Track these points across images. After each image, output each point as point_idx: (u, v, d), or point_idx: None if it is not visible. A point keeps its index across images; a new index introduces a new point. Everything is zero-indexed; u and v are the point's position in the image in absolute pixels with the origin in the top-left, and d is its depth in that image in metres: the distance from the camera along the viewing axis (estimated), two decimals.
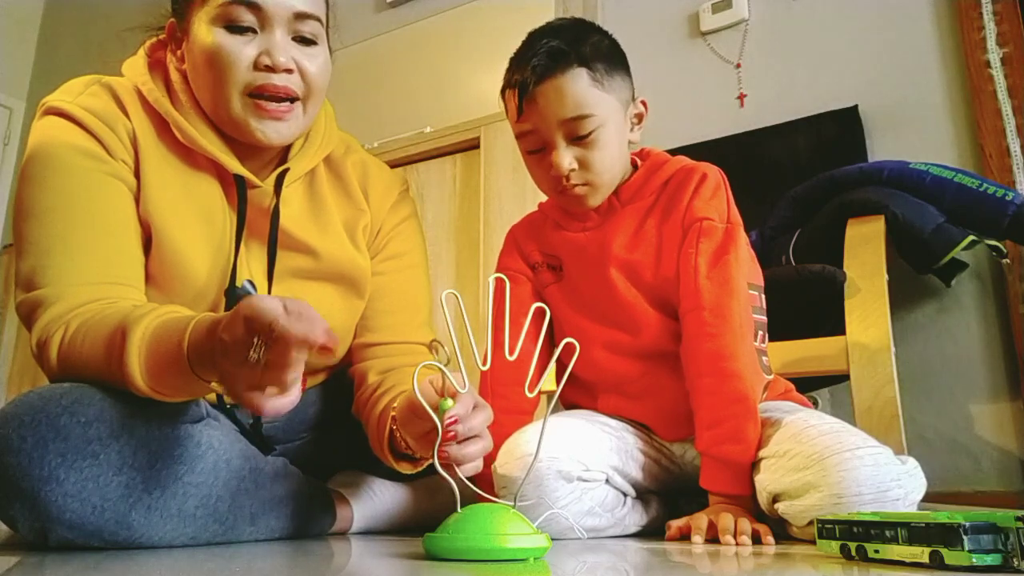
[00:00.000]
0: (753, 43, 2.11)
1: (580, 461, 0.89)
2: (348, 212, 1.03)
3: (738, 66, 2.11)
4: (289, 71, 0.87)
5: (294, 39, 0.89)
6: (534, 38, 1.00)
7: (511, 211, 2.04)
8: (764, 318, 1.00)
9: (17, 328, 3.20)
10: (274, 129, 0.89)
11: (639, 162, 1.07)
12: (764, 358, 0.97)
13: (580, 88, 0.95)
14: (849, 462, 0.78)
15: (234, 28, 0.86)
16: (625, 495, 0.97)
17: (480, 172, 2.14)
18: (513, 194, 2.06)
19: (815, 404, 1.78)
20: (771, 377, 0.98)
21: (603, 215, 1.03)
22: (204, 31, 0.86)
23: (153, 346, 0.70)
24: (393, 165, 2.24)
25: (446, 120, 2.39)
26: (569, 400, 1.11)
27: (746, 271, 0.99)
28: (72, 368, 0.76)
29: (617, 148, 1.00)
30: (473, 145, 2.20)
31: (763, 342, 0.98)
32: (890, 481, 0.78)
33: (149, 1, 0.97)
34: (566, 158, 0.96)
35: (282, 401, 0.63)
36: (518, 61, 0.99)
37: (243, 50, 0.86)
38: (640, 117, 1.04)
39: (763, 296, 1.02)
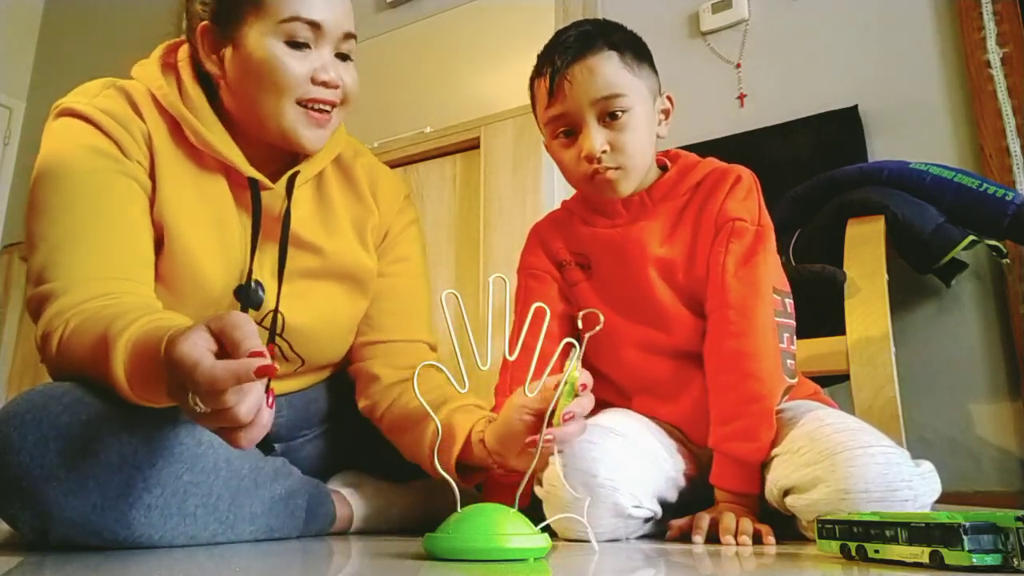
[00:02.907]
0: (753, 43, 2.11)
1: (635, 495, 0.86)
2: (357, 212, 1.04)
3: (738, 66, 2.11)
4: (337, 86, 0.92)
5: (336, 55, 0.93)
6: (561, 31, 1.01)
7: (511, 211, 2.04)
8: (791, 322, 0.99)
9: (17, 328, 3.20)
10: (317, 136, 0.93)
11: (668, 164, 1.06)
12: (789, 361, 0.96)
13: (611, 69, 0.96)
14: (859, 459, 0.78)
15: (293, 44, 0.89)
16: (651, 519, 0.93)
17: (480, 172, 2.14)
18: (513, 194, 2.05)
19: None
20: (795, 381, 0.96)
21: (633, 211, 1.03)
22: (262, 43, 0.88)
23: (135, 359, 0.70)
24: (393, 165, 2.24)
25: (446, 120, 2.39)
26: (600, 399, 1.09)
27: (774, 275, 0.99)
28: (69, 366, 0.76)
29: (647, 134, 1.00)
30: (473, 145, 2.20)
31: (791, 344, 0.98)
32: (900, 482, 0.77)
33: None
34: (598, 139, 0.96)
35: (253, 432, 0.62)
36: (547, 51, 1.01)
37: (300, 64, 0.90)
38: (667, 113, 1.05)
39: (789, 301, 1.01)
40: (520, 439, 0.80)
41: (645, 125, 0.99)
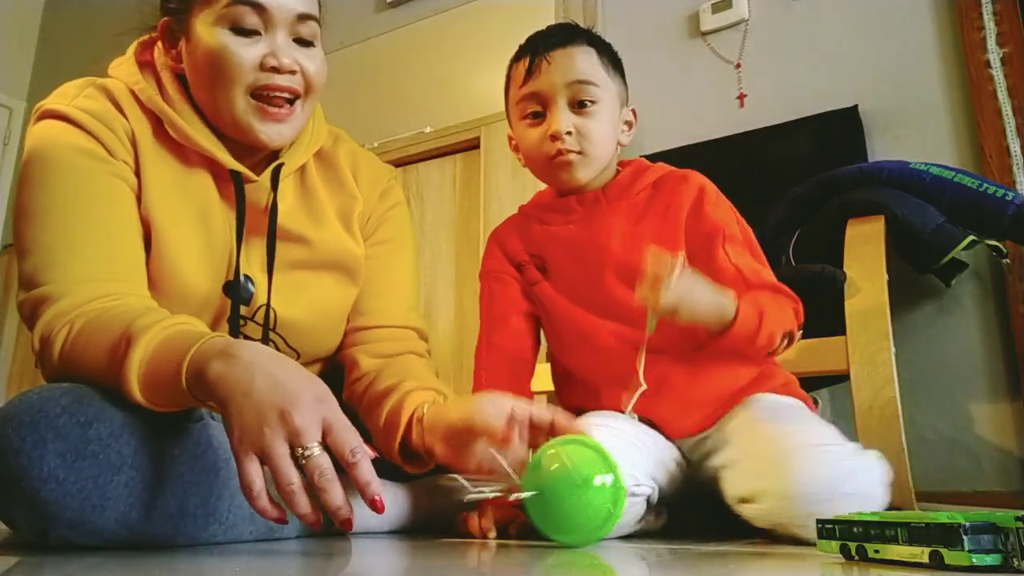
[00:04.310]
0: (753, 43, 2.11)
1: (632, 475, 0.88)
2: (341, 201, 1.04)
3: (738, 66, 2.11)
4: (292, 72, 0.89)
5: (294, 40, 0.90)
6: (543, 28, 1.07)
7: (511, 211, 2.02)
8: None
9: (17, 328, 3.20)
10: (276, 131, 0.90)
11: (621, 170, 1.09)
12: None
13: (589, 60, 1.02)
14: (796, 463, 0.81)
15: (239, 30, 0.87)
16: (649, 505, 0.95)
17: (480, 172, 2.14)
18: (513, 194, 2.06)
19: (816, 403, 1.78)
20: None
21: (588, 208, 1.05)
22: (208, 32, 0.87)
23: (153, 363, 0.71)
24: (393, 165, 2.24)
25: (446, 120, 2.39)
26: (570, 404, 1.09)
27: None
28: (74, 368, 0.76)
29: (611, 131, 1.03)
30: (473, 145, 2.20)
31: None
32: (839, 478, 0.79)
33: (148, 1, 0.98)
34: (565, 120, 0.99)
35: (272, 515, 0.66)
36: (529, 39, 1.05)
37: (248, 51, 0.87)
38: (630, 125, 1.09)
39: None
40: (466, 440, 0.80)
41: (610, 122, 1.03)
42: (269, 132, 0.90)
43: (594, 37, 1.05)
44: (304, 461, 0.64)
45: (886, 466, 0.84)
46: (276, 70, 0.87)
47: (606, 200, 1.04)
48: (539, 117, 1.02)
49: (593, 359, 1.03)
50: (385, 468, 1.04)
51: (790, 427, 0.87)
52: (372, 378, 0.98)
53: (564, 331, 1.05)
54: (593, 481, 0.73)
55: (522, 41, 1.07)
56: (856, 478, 0.80)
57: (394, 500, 1.04)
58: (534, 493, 0.74)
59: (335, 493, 0.65)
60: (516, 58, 1.06)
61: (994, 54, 1.76)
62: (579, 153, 1.00)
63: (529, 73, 1.01)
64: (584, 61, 1.01)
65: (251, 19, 0.87)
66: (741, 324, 0.91)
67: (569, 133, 0.99)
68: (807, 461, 0.80)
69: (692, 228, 1.01)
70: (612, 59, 1.05)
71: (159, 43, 0.94)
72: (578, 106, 1.00)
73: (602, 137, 1.01)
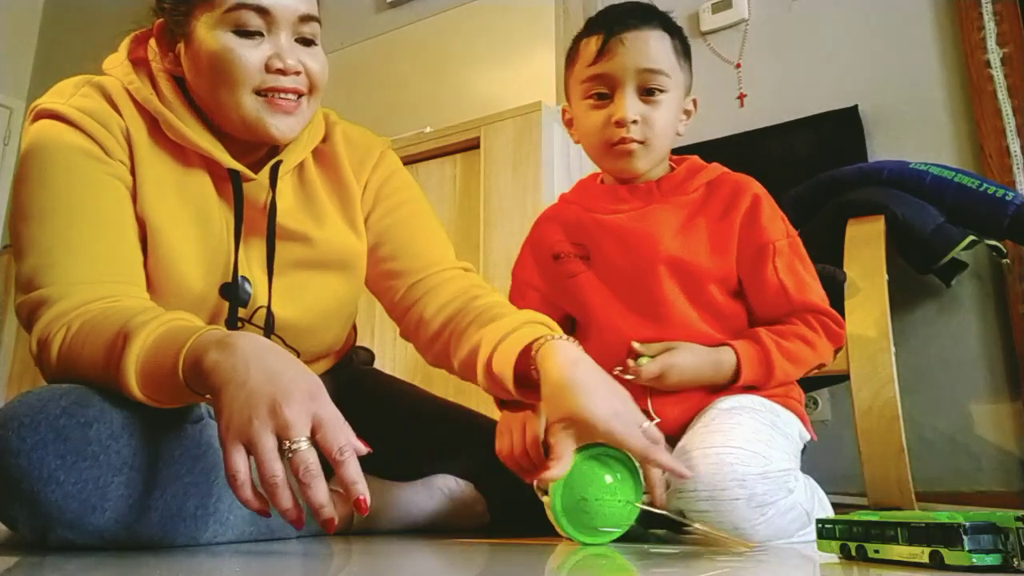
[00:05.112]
0: (753, 43, 2.11)
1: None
2: (342, 194, 1.03)
3: (738, 66, 2.11)
4: (297, 73, 0.89)
5: (296, 40, 0.90)
6: (616, 4, 1.05)
7: (511, 211, 2.04)
8: None
9: (17, 328, 3.20)
10: (286, 124, 0.90)
11: (675, 166, 1.07)
12: None
13: (664, 48, 1.00)
14: (693, 459, 0.83)
15: (242, 32, 0.87)
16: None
17: (480, 172, 2.14)
18: (513, 194, 2.05)
19: (815, 404, 1.78)
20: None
21: (640, 198, 1.03)
22: (211, 36, 0.87)
23: (151, 357, 0.71)
24: None
25: (446, 120, 2.38)
26: None
27: (813, 272, 1.03)
28: (72, 369, 0.76)
29: (674, 121, 1.03)
30: (473, 145, 2.20)
31: None
32: (730, 481, 0.80)
33: (145, 3, 0.98)
34: (633, 106, 0.98)
35: (255, 506, 0.66)
36: (602, 15, 1.04)
37: (252, 53, 0.87)
38: (688, 114, 1.08)
39: None
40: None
41: (674, 113, 1.02)
42: (280, 125, 0.89)
43: (669, 21, 1.03)
44: (290, 455, 0.64)
45: (805, 494, 0.86)
46: (282, 72, 0.87)
47: (659, 192, 1.03)
48: (604, 99, 1.00)
49: (613, 360, 0.97)
50: (388, 468, 1.05)
51: (721, 426, 0.86)
52: (449, 332, 0.97)
53: (595, 325, 1.03)
54: (627, 489, 0.80)
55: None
56: (748, 485, 0.80)
57: (395, 501, 1.04)
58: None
59: (318, 490, 0.64)
60: (586, 33, 1.03)
61: (994, 54, 1.76)
62: (642, 143, 0.99)
63: (600, 53, 0.99)
64: (658, 47, 0.99)
65: (254, 21, 0.86)
66: (746, 378, 0.94)
67: (635, 122, 0.98)
68: (701, 459, 0.82)
69: (745, 237, 1.00)
70: (684, 46, 1.04)
71: (152, 41, 0.94)
72: (646, 93, 0.99)
73: (666, 128, 1.00)
